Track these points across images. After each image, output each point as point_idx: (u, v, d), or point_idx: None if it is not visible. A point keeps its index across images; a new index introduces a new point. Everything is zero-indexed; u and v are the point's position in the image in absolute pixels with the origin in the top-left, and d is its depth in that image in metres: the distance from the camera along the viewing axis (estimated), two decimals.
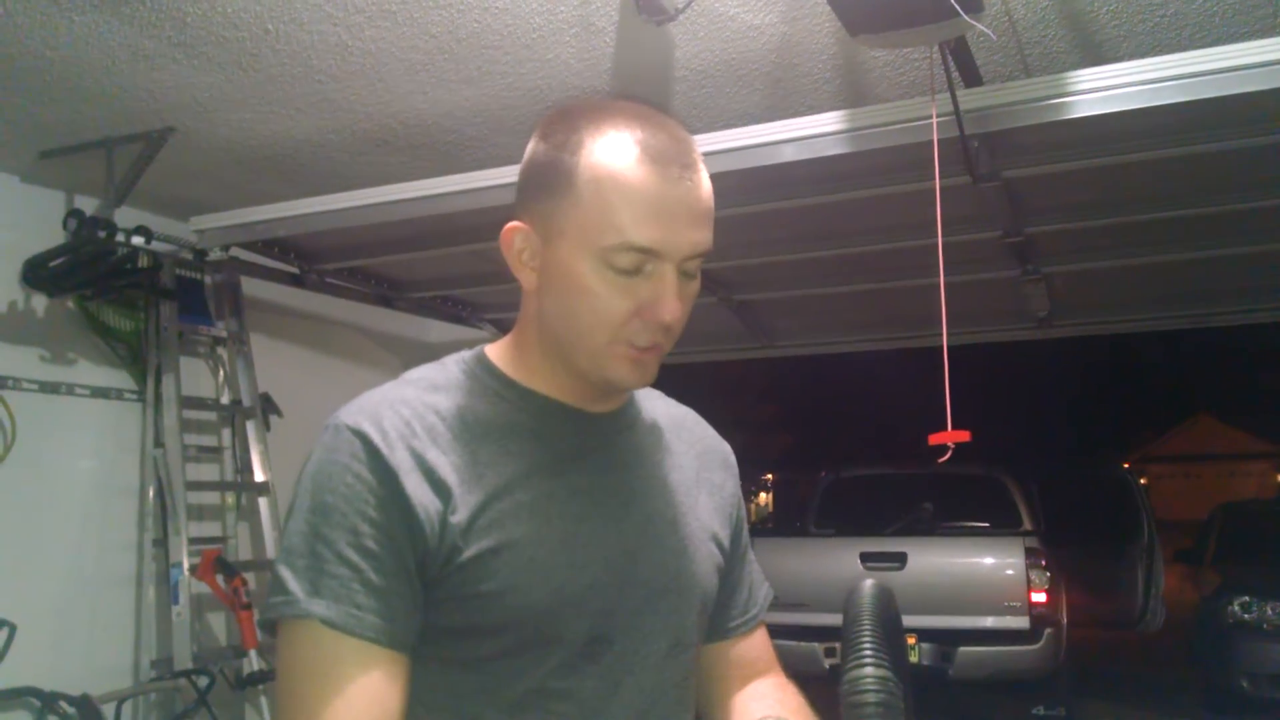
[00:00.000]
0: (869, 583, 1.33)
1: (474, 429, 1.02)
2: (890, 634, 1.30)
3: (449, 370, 1.08)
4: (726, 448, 1.26)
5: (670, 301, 0.97)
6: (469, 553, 0.96)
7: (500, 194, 3.05)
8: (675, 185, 0.96)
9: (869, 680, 1.25)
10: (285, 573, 0.94)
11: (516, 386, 1.07)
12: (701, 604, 1.13)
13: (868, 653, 1.28)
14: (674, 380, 1.27)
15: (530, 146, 1.04)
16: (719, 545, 1.17)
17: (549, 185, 1.00)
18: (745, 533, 1.25)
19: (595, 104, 1.02)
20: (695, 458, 1.19)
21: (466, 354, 1.10)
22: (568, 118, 1.02)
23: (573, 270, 0.98)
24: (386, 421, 0.98)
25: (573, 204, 0.98)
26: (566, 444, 1.06)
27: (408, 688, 0.95)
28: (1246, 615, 6.26)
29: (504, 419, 1.04)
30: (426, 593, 0.96)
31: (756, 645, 1.26)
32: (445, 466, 0.97)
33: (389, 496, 0.94)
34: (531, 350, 1.07)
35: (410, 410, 1.00)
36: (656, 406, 1.20)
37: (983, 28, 2.06)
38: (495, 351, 1.10)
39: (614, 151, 0.97)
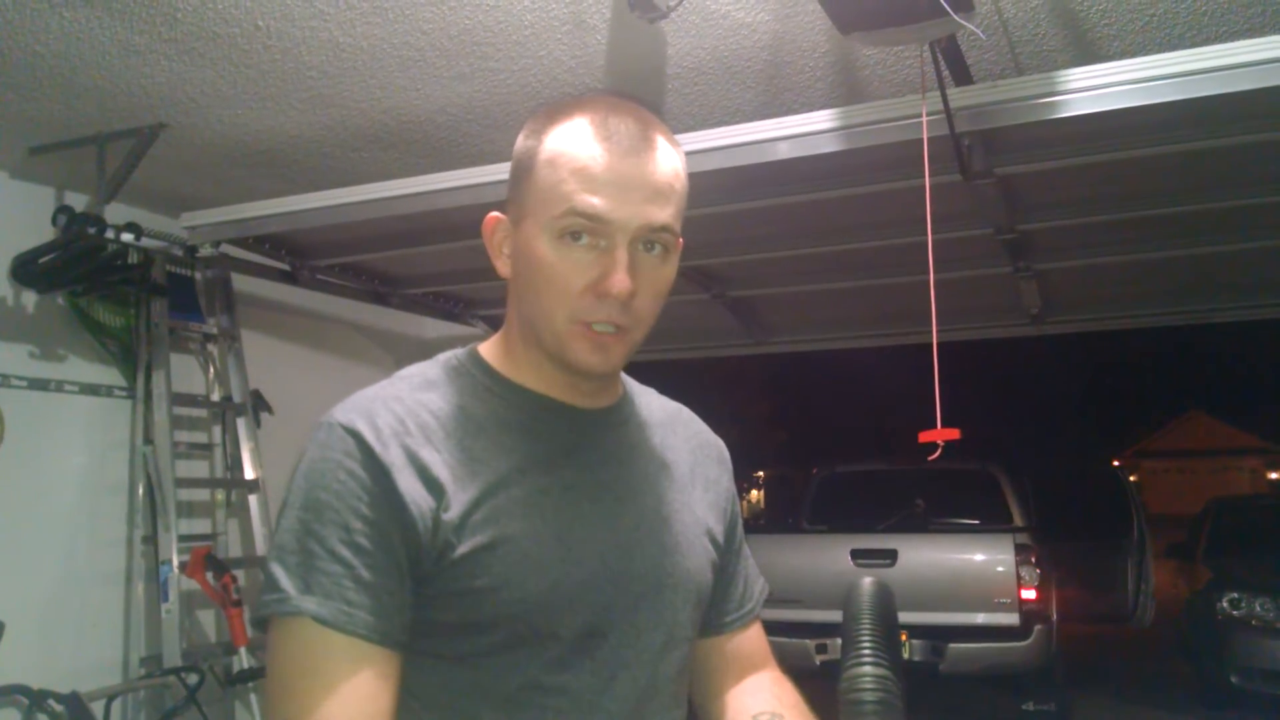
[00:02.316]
0: (869, 580, 1.33)
1: (467, 426, 1.02)
2: (889, 631, 1.31)
3: (440, 368, 1.08)
4: (720, 443, 1.26)
5: (619, 275, 0.98)
6: (462, 548, 0.96)
7: (494, 190, 3.05)
8: (624, 157, 0.99)
9: (868, 679, 1.26)
10: (277, 570, 0.94)
11: (508, 383, 1.07)
12: (696, 599, 1.13)
13: (867, 651, 1.29)
14: (667, 376, 1.27)
15: (516, 142, 1.08)
16: (714, 540, 1.17)
17: (517, 173, 1.04)
18: (740, 527, 1.25)
19: (575, 98, 1.06)
20: (689, 453, 1.19)
21: (459, 351, 1.11)
22: (547, 110, 1.06)
23: (532, 248, 1.01)
24: (379, 419, 0.98)
25: (532, 184, 1.02)
26: (560, 440, 1.06)
27: (398, 684, 0.95)
28: (1236, 611, 6.28)
29: (497, 415, 1.04)
30: (420, 589, 0.96)
31: (752, 640, 1.26)
32: (438, 463, 0.98)
33: (381, 493, 0.94)
34: (517, 344, 1.08)
35: (403, 408, 1.00)
36: (650, 402, 1.20)
37: (972, 27, 2.07)
38: (487, 349, 1.11)
39: (570, 131, 1.01)
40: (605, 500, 1.06)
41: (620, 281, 0.98)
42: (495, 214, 1.08)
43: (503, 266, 1.07)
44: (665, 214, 1.01)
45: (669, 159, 1.03)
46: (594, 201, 0.97)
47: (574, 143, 1.00)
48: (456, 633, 0.98)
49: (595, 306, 0.99)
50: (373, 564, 0.93)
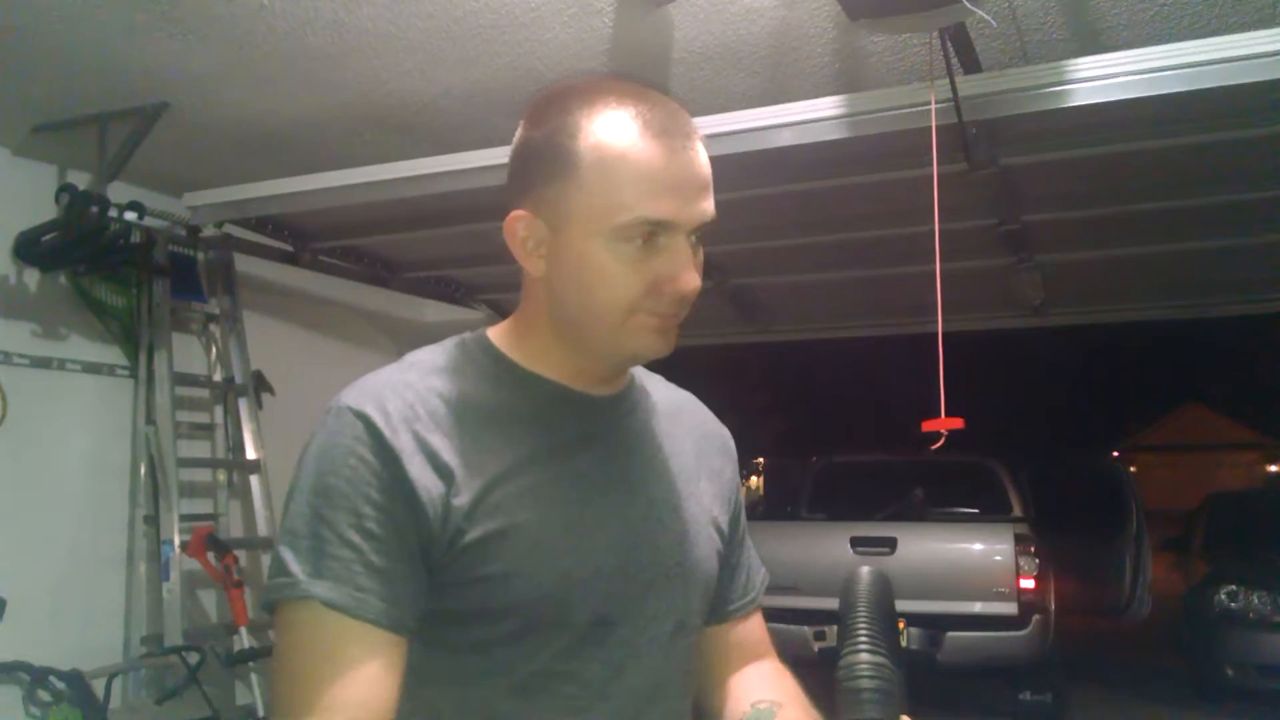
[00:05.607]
0: (866, 569, 1.33)
1: (477, 413, 1.01)
2: (886, 620, 1.31)
3: (451, 353, 1.07)
4: (726, 432, 1.26)
5: (690, 273, 0.98)
6: (472, 535, 0.96)
7: (497, 175, 3.01)
8: (679, 155, 0.97)
9: (864, 666, 1.26)
10: (287, 554, 0.94)
11: (519, 370, 1.06)
12: (704, 588, 1.13)
13: (864, 638, 1.29)
14: (667, 363, 1.27)
15: (520, 134, 1.03)
16: (719, 530, 1.17)
17: (550, 172, 0.99)
18: (743, 517, 1.25)
19: (583, 85, 1.02)
20: (695, 442, 1.19)
21: (468, 336, 1.09)
22: (558, 101, 1.01)
23: (585, 253, 0.98)
24: (390, 404, 0.97)
25: (578, 187, 0.97)
26: (570, 428, 1.06)
27: (404, 670, 0.95)
28: (1233, 604, 6.30)
29: (507, 403, 1.04)
30: (431, 577, 0.96)
31: (753, 629, 1.26)
32: (448, 450, 0.97)
33: (392, 479, 0.94)
34: (538, 334, 1.06)
35: (413, 394, 0.99)
36: (657, 390, 1.19)
37: (983, 14, 2.06)
38: (497, 335, 1.09)
39: (615, 130, 0.96)
40: (615, 490, 1.06)
41: (691, 280, 0.98)
42: (518, 212, 1.02)
43: (536, 267, 1.02)
44: (712, 204, 1.01)
45: (703, 147, 1.01)
46: (665, 207, 0.96)
47: (624, 143, 0.96)
48: (468, 621, 0.98)
49: (655, 302, 0.98)
50: (383, 550, 0.93)
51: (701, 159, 1.00)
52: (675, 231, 0.97)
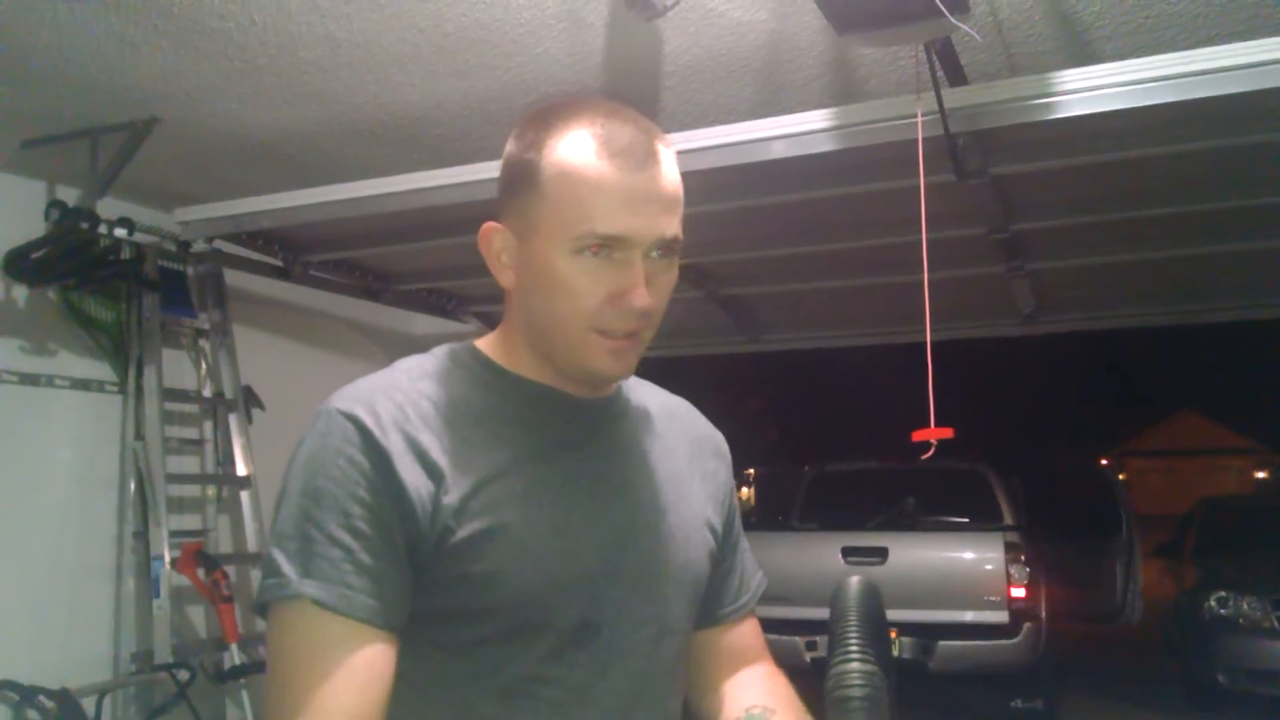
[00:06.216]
0: (855, 578, 1.33)
1: (466, 415, 1.03)
2: (876, 630, 1.31)
3: (439, 359, 1.09)
4: (719, 436, 1.27)
5: (640, 289, 1.00)
6: (461, 534, 0.97)
7: (488, 188, 3.02)
8: (636, 174, 0.99)
9: (854, 675, 1.26)
10: (277, 555, 0.95)
11: (507, 375, 1.08)
12: (693, 591, 1.14)
13: (854, 648, 1.29)
14: (659, 373, 1.27)
15: (506, 149, 1.07)
16: (712, 532, 1.18)
17: (518, 185, 1.03)
18: (737, 520, 1.26)
19: (564, 104, 1.05)
20: (688, 445, 1.20)
21: (456, 345, 1.12)
22: (537, 118, 1.05)
23: (546, 263, 1.01)
24: (379, 406, 0.99)
25: (540, 200, 1.01)
26: (558, 431, 1.07)
27: (395, 668, 0.96)
28: (1224, 610, 6.32)
29: (495, 406, 1.05)
30: (419, 576, 0.97)
31: (747, 633, 1.26)
32: (437, 449, 0.98)
33: (381, 479, 0.95)
34: (519, 342, 1.08)
35: (403, 395, 1.01)
36: (649, 395, 1.21)
37: (967, 29, 2.07)
38: (484, 344, 1.12)
39: (575, 146, 1.00)
40: (602, 492, 1.07)
41: (642, 296, 1.00)
42: (492, 224, 1.07)
43: (506, 278, 1.06)
44: (675, 224, 1.03)
45: (672, 167, 1.04)
46: (617, 223, 0.98)
47: (583, 158, 0.99)
48: (453, 621, 0.99)
49: (613, 316, 1.00)
50: (372, 549, 0.94)
51: (664, 179, 1.02)
52: (630, 247, 1.00)
